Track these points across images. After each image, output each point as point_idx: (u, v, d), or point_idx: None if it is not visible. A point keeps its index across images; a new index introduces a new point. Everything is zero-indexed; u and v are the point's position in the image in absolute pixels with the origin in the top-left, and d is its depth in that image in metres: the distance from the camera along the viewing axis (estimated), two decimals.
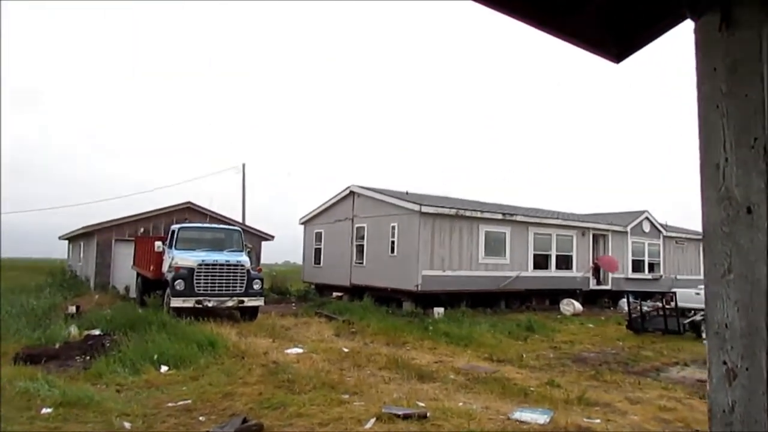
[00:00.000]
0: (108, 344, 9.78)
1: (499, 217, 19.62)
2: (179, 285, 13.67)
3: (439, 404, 6.64)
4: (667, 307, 14.66)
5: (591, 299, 21.92)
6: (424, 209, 17.66)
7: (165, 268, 15.24)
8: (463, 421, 5.94)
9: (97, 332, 10.85)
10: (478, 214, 19.09)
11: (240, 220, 26.27)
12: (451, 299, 18.00)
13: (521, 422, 6.10)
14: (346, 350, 10.49)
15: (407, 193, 21.31)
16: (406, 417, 5.92)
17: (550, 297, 20.97)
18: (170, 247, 15.34)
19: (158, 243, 15.62)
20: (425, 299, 17.73)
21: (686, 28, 1.51)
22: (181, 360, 8.73)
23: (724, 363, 1.31)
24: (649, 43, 1.70)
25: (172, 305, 13.42)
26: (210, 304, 13.78)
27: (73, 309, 14.30)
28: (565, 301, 19.79)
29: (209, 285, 13.97)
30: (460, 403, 6.82)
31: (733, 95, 1.34)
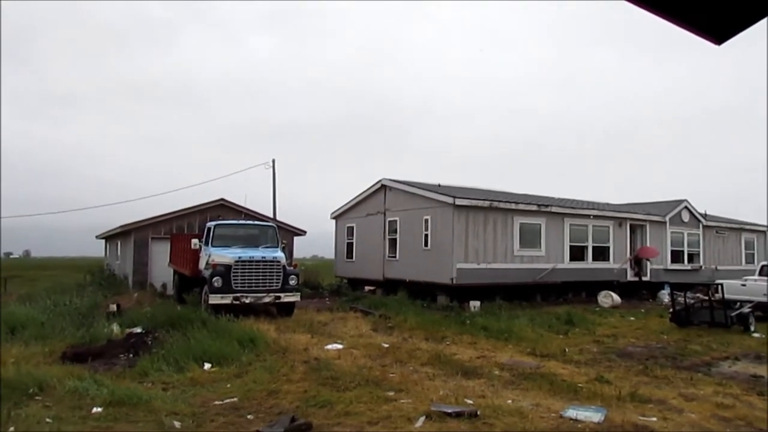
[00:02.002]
0: (151, 342, 9.85)
1: (534, 208, 19.39)
2: (217, 282, 13.73)
3: (487, 401, 6.51)
4: (713, 299, 14.14)
5: (629, 291, 21.45)
6: (458, 201, 17.56)
7: (202, 265, 15.32)
8: (515, 420, 5.80)
9: (138, 330, 10.93)
10: (513, 206, 18.91)
11: (271, 216, 26.44)
12: (486, 292, 17.85)
13: (575, 420, 5.93)
14: (385, 346, 10.43)
15: (440, 185, 21.17)
16: (456, 415, 5.80)
17: (587, 289, 20.61)
18: (206, 244, 15.44)
19: (194, 240, 15.71)
20: (460, 292, 17.66)
21: None
22: (224, 357, 8.73)
23: None
24: (754, 23, 1.60)
25: (210, 302, 13.47)
26: (248, 301, 13.81)
27: (114, 307, 14.41)
28: (602, 293, 19.44)
29: (246, 281, 14.02)
30: (509, 401, 6.70)
31: None
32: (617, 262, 21.64)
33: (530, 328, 13.11)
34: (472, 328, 12.80)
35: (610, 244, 21.51)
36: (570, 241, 20.26)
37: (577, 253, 20.62)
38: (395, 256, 20.22)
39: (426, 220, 18.71)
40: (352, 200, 23.21)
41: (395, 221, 20.39)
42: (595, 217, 21.11)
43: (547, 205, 19.82)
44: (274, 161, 30.42)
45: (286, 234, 23.23)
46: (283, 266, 14.52)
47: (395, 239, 20.29)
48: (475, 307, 16.72)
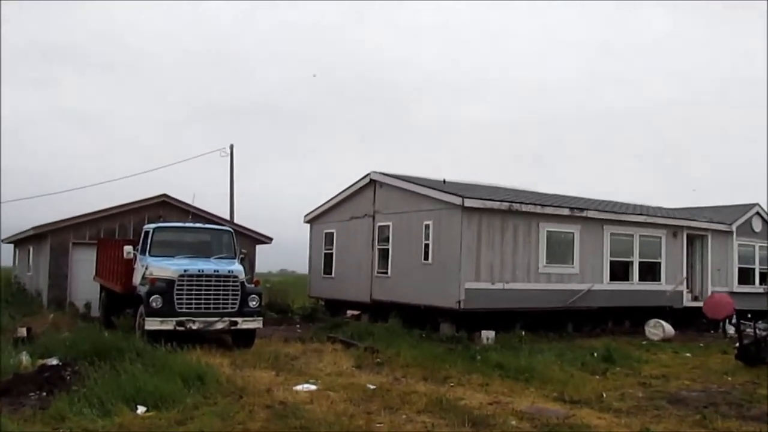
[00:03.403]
0: (69, 377, 9.81)
1: (566, 212, 19.50)
2: (156, 302, 13.78)
3: None
4: None
5: (685, 319, 21.67)
6: (468, 203, 17.66)
7: (137, 279, 15.41)
8: None
9: (54, 361, 10.91)
10: (539, 209, 18.99)
11: (228, 218, 26.48)
12: (502, 320, 18.02)
13: None
14: (371, 387, 10.50)
15: (444, 182, 21.25)
16: None
17: (632, 317, 20.75)
18: (143, 252, 15.51)
19: (128, 248, 15.74)
20: (469, 320, 17.77)
21: None
22: (163, 399, 8.74)
23: None
24: None
25: (147, 327, 13.56)
26: (195, 327, 13.86)
27: (23, 332, 14.45)
28: (651, 322, 19.60)
29: (194, 302, 14.04)
30: None
31: None
32: (670, 283, 21.81)
33: (558, 366, 13.18)
34: (483, 366, 12.84)
35: (662, 260, 21.71)
36: (611, 256, 20.41)
37: (620, 271, 20.72)
38: (386, 272, 20.32)
39: (427, 226, 18.82)
40: (332, 199, 23.23)
41: (387, 227, 20.52)
42: (644, 224, 21.30)
43: (582, 209, 19.96)
44: (232, 147, 30.26)
45: (247, 241, 23.33)
46: (242, 283, 14.53)
47: (387, 250, 20.40)
48: (488, 339, 16.81)
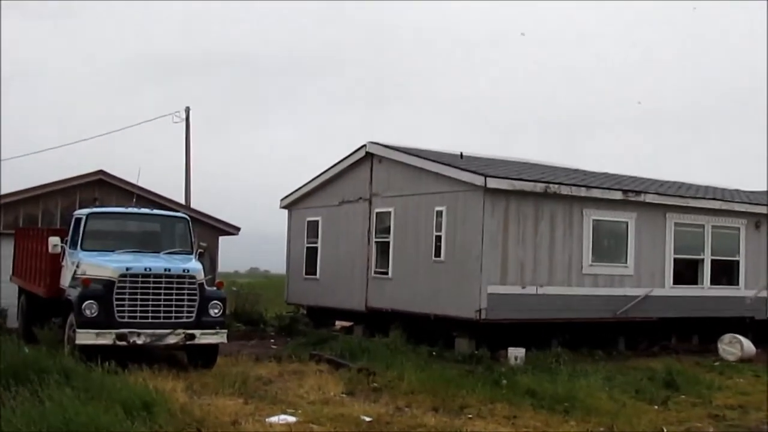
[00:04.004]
0: None
1: (618, 195, 19.46)
2: (90, 309, 13.80)
3: None
4: None
5: None
6: (492, 183, 17.65)
7: (66, 280, 15.43)
8: None
9: None
10: (583, 192, 18.99)
11: (183, 202, 26.59)
12: (535, 334, 18.08)
13: None
14: (366, 419, 10.51)
15: (462, 156, 21.22)
16: None
17: (702, 330, 20.79)
18: (74, 246, 15.54)
19: (54, 239, 15.69)
20: (493, 334, 17.85)
21: None
22: None
23: None
24: None
25: (79, 341, 13.58)
26: (140, 341, 13.92)
27: None
28: (726, 338, 19.60)
29: (139, 309, 14.10)
30: None
31: None
32: (751, 288, 21.83)
33: (606, 394, 13.19)
34: (510, 393, 12.87)
35: (741, 258, 21.75)
36: (675, 252, 20.44)
37: (686, 272, 20.73)
38: (386, 273, 20.41)
39: (438, 214, 18.87)
40: (317, 178, 23.31)
41: (388, 214, 20.60)
42: (718, 212, 21.29)
43: (639, 191, 19.93)
44: (188, 111, 30.37)
45: (208, 232, 23.41)
46: (201, 285, 14.61)
47: (387, 244, 20.52)
48: (516, 359, 16.88)
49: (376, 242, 20.93)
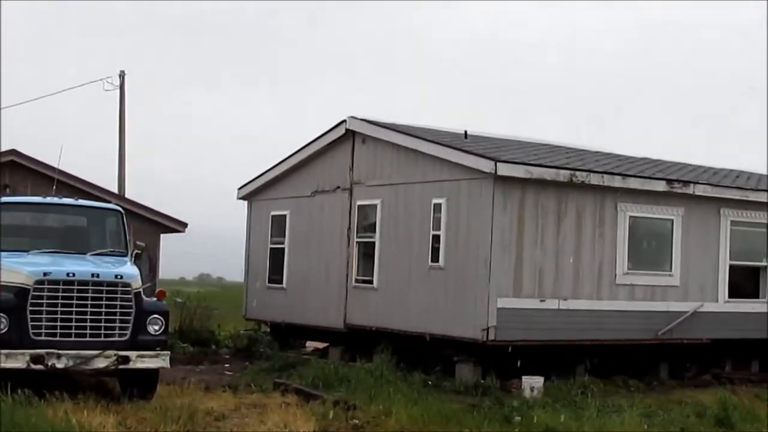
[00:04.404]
0: None
1: (661, 187, 19.36)
2: None
3: None
4: None
5: None
6: (504, 169, 17.42)
7: None
8: None
9: None
10: (617, 182, 18.86)
11: (115, 190, 27.00)
12: (556, 359, 18.06)
13: None
14: None
15: (466, 135, 21.18)
16: None
17: (763, 356, 20.67)
18: None
19: None
20: (503, 359, 17.73)
21: None
22: None
23: None
24: None
25: None
26: (61, 365, 13.58)
27: None
28: None
29: (59, 325, 13.79)
30: None
31: None
32: None
33: None
34: None
35: None
36: (731, 258, 20.33)
37: (745, 283, 20.60)
38: (371, 281, 20.37)
39: (437, 208, 18.70)
40: (284, 161, 23.36)
41: (373, 208, 20.51)
42: None
43: (687, 182, 19.77)
44: (123, 76, 30.50)
45: (146, 228, 23.60)
46: (137, 295, 14.35)
47: (372, 245, 20.48)
48: (532, 390, 16.78)
49: (358, 243, 20.81)
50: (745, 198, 20.41)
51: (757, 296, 20.67)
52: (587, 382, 17.21)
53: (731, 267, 20.24)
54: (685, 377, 19.59)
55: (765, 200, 20.69)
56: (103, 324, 13.91)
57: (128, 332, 13.99)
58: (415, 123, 21.74)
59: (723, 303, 20.03)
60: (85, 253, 15.24)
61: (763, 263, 20.75)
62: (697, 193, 19.66)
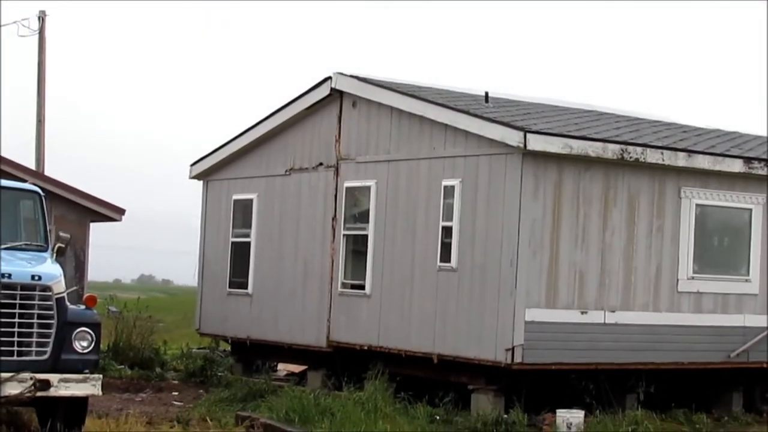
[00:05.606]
0: None
1: (737, 167, 18.88)
2: None
3: None
4: None
5: None
6: (536, 142, 16.84)
7: None
8: None
9: None
10: (682, 160, 18.36)
11: (33, 166, 26.90)
12: (600, 386, 17.58)
13: None
14: None
15: (487, 98, 20.54)
16: None
17: None
18: None
19: None
20: (534, 386, 17.38)
21: None
22: None
23: None
24: None
25: None
26: None
27: None
28: None
29: None
30: None
31: None
32: None
33: None
34: None
35: None
36: None
37: None
38: (362, 287, 20.02)
39: (449, 191, 18.29)
40: (250, 130, 22.92)
41: (365, 191, 20.14)
42: None
43: None
44: (43, 18, 30.23)
45: (72, 215, 23.65)
46: (59, 301, 13.63)
47: (364, 239, 20.12)
48: (570, 425, 16.31)
49: (345, 236, 20.27)
50: None
51: None
52: (640, 417, 16.67)
53: None
54: (765, 411, 19.29)
55: None
56: (15, 339, 13.16)
57: (48, 349, 13.29)
58: (420, 82, 21.41)
59: None
60: None
61: None
62: None
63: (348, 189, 20.23)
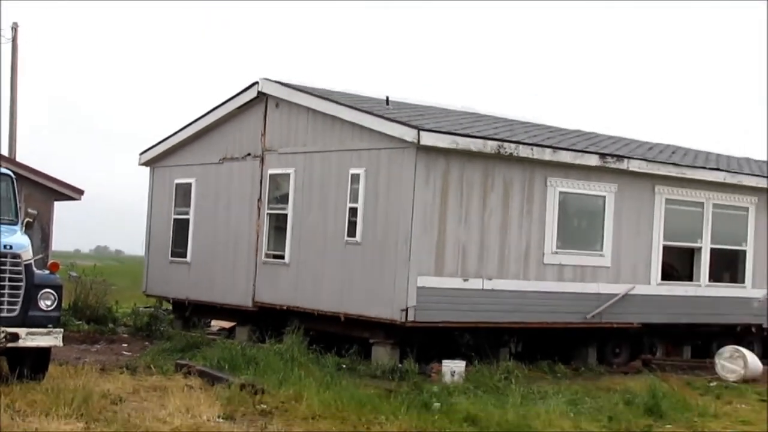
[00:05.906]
0: None
1: (594, 161, 19.85)
2: None
3: None
4: None
5: None
6: (427, 138, 17.83)
7: None
8: None
9: None
10: (548, 155, 19.32)
11: (6, 152, 26.46)
12: (479, 343, 18.58)
13: None
14: None
15: (388, 102, 21.39)
16: None
17: (695, 342, 21.17)
18: None
19: None
20: (423, 341, 18.21)
21: None
22: None
23: None
24: None
25: None
26: None
27: None
28: (726, 351, 19.92)
29: None
30: None
31: None
32: (760, 286, 22.25)
33: (571, 422, 13.38)
34: (444, 420, 12.94)
35: (749, 247, 22.17)
36: (665, 238, 20.83)
37: (678, 265, 21.18)
38: (282, 256, 20.74)
39: (355, 178, 19.19)
40: (190, 125, 23.64)
41: (286, 177, 20.94)
42: (722, 186, 21.65)
43: (621, 157, 20.20)
44: (16, 29, 30.27)
45: (38, 195, 23.57)
46: (27, 267, 14.51)
47: (284, 217, 20.87)
48: (453, 374, 17.14)
49: (269, 215, 21.16)
50: (681, 175, 20.91)
51: (690, 279, 21.29)
52: (511, 367, 17.49)
53: (665, 248, 20.79)
54: (614, 363, 20.21)
55: (701, 178, 21.23)
56: None
57: (17, 308, 14.10)
58: (333, 87, 21.72)
59: (655, 286, 20.62)
60: None
61: (698, 244, 21.30)
62: (631, 169, 20.23)
63: (271, 175, 21.09)
